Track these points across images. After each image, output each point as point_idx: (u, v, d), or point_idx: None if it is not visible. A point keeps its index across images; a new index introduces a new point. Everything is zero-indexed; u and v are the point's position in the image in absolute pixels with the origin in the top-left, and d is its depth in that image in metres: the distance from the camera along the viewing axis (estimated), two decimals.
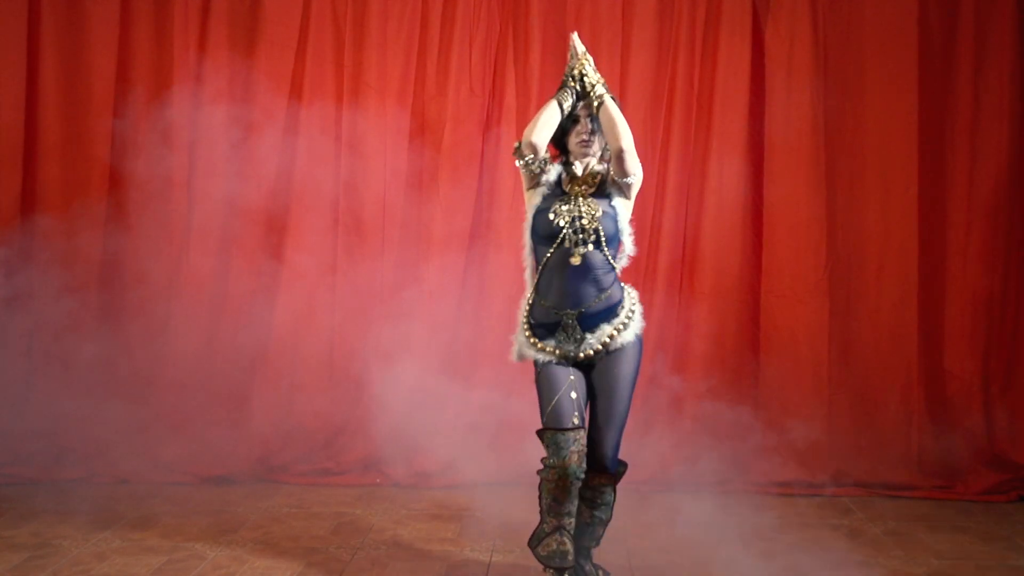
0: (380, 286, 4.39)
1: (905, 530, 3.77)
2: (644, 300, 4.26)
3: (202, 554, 3.35)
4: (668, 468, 4.26)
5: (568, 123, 2.77)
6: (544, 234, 2.76)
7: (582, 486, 2.83)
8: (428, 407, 4.34)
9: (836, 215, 4.41)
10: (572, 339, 2.76)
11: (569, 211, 2.73)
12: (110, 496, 4.02)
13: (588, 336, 2.76)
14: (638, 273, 4.34)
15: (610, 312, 2.78)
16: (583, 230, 2.70)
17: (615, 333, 2.77)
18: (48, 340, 4.27)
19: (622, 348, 2.79)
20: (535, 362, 2.81)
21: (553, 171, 2.83)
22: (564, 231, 2.71)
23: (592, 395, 2.82)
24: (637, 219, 4.23)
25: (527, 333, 2.82)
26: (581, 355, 2.77)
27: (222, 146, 4.33)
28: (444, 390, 4.35)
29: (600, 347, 2.77)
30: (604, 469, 2.82)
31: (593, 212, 2.72)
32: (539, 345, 2.79)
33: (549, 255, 2.75)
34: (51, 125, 4.35)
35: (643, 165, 2.84)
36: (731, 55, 4.38)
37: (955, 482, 4.28)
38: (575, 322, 2.75)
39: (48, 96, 4.35)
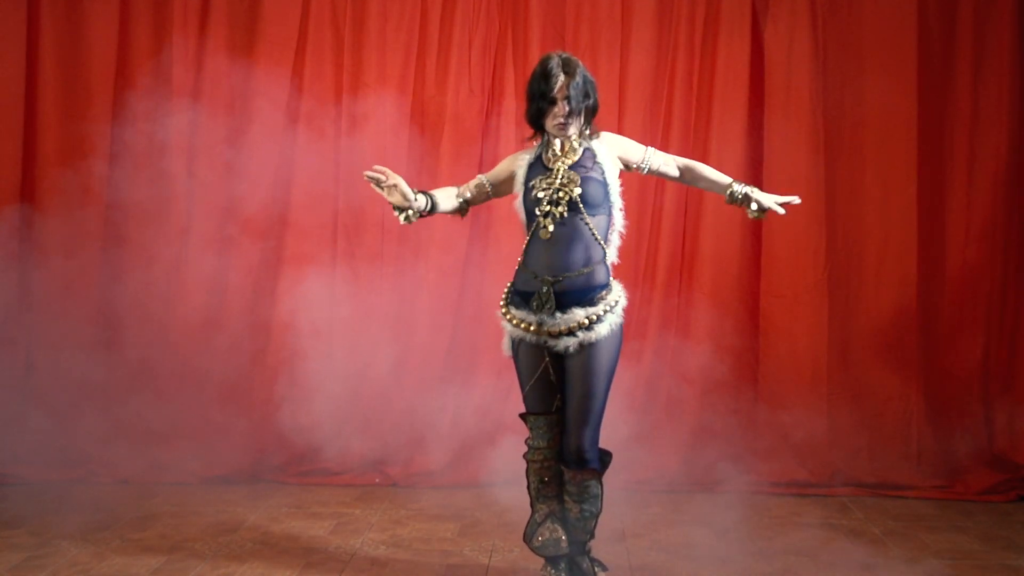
0: (379, 285, 4.39)
1: (905, 530, 3.77)
2: (644, 300, 4.35)
3: (202, 554, 3.35)
4: (668, 468, 4.26)
5: (545, 105, 2.75)
6: (528, 208, 2.81)
7: (567, 483, 2.83)
8: (428, 406, 4.34)
9: (835, 215, 4.41)
10: (546, 310, 2.74)
11: (549, 183, 2.76)
12: (110, 496, 4.02)
13: (559, 313, 2.73)
14: (638, 273, 4.35)
15: (589, 294, 2.75)
16: (558, 202, 2.72)
17: (586, 322, 2.73)
18: (48, 340, 4.27)
19: (597, 343, 2.74)
20: (511, 339, 2.84)
21: (522, 160, 2.88)
22: (542, 202, 2.74)
23: (566, 390, 2.80)
24: (637, 219, 4.29)
25: (503, 309, 2.85)
26: (555, 330, 2.73)
27: (221, 147, 4.34)
28: (444, 389, 4.35)
29: (569, 332, 2.72)
30: (584, 464, 2.79)
31: (574, 180, 2.74)
32: (515, 321, 2.81)
33: (533, 227, 2.78)
34: (50, 126, 4.35)
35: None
36: (730, 55, 4.38)
37: (955, 482, 4.27)
38: (550, 290, 2.74)
39: (47, 96, 4.35)
